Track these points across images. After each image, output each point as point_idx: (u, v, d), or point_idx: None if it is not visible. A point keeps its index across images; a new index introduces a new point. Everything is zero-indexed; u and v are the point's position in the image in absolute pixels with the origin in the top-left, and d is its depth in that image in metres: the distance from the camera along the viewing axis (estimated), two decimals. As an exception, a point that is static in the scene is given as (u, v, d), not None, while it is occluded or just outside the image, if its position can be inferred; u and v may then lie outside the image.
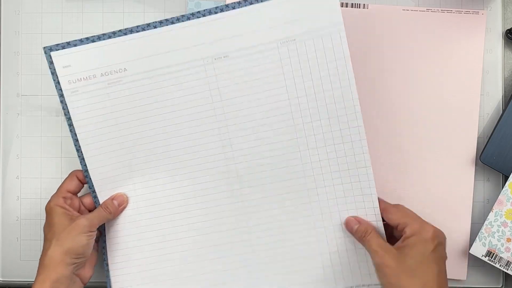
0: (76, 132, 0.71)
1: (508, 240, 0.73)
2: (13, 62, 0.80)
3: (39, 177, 0.79)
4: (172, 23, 0.69)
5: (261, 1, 0.67)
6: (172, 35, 0.69)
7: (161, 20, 0.69)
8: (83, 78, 0.70)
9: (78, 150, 0.71)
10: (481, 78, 0.77)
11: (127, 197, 0.72)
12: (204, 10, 0.68)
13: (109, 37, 0.69)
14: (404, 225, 0.66)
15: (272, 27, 0.68)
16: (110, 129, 0.71)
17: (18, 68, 0.80)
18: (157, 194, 0.72)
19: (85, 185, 0.74)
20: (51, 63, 0.70)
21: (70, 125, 0.71)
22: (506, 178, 0.74)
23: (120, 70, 0.69)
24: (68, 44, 0.69)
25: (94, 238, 0.70)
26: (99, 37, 0.69)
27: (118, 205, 0.72)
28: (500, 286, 0.77)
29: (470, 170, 0.77)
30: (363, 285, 0.71)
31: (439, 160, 0.77)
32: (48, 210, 0.70)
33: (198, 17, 0.68)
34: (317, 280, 0.72)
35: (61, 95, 0.70)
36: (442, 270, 0.64)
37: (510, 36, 0.77)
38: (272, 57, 0.68)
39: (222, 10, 0.68)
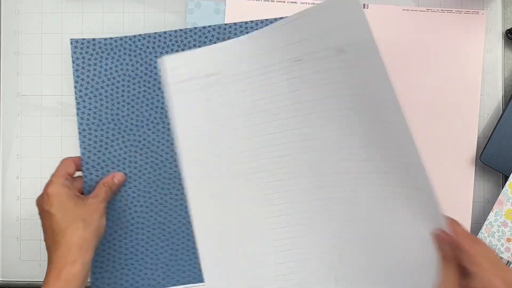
0: (178, 133, 0.73)
1: (508, 240, 0.73)
2: (13, 62, 0.80)
3: (39, 177, 0.79)
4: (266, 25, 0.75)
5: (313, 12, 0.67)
6: (265, 37, 0.71)
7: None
8: (186, 79, 0.73)
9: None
10: (481, 78, 0.77)
11: (124, 176, 0.76)
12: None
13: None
14: (472, 272, 0.56)
15: (326, 35, 0.66)
16: (205, 127, 0.73)
17: (18, 68, 0.80)
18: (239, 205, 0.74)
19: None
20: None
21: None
22: (506, 178, 0.74)
23: (219, 72, 0.73)
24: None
25: None
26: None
27: (117, 183, 0.75)
28: (500, 286, 0.77)
29: (470, 170, 0.77)
30: None
31: (439, 160, 0.77)
32: (56, 192, 0.69)
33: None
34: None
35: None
36: None
37: (510, 36, 0.77)
38: (330, 65, 0.67)
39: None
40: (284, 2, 0.77)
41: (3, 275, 0.80)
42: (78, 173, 0.75)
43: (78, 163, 0.75)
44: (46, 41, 0.80)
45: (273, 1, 0.78)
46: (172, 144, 0.76)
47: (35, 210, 0.79)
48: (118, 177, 0.75)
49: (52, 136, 0.80)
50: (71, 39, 0.77)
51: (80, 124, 0.76)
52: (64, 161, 0.73)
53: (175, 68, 0.74)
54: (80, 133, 0.76)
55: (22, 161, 0.80)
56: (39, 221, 0.79)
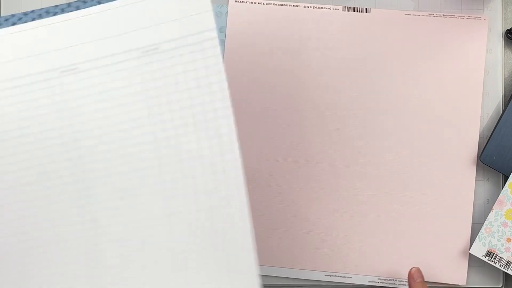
0: None
1: (508, 240, 0.74)
2: (17, 66, 0.79)
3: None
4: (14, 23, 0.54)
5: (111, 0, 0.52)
6: (9, 40, 0.53)
7: None
8: None
9: None
10: (483, 82, 0.77)
11: None
12: (40, 10, 0.53)
13: None
14: None
15: (129, 32, 0.51)
16: None
17: (22, 72, 0.79)
18: None
19: None
20: None
21: None
22: (506, 178, 0.75)
23: None
24: None
25: None
26: None
27: None
28: (500, 286, 0.78)
29: (471, 170, 0.77)
30: None
31: (439, 160, 0.77)
32: None
33: (35, 19, 0.53)
34: None
35: None
36: None
37: (510, 36, 0.77)
38: (130, 71, 0.51)
39: (63, 11, 0.52)
40: (287, 5, 0.77)
41: (10, 276, 0.81)
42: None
43: None
44: (49, 45, 0.79)
45: (276, 4, 0.77)
46: None
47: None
48: None
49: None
50: None
51: None
52: None
53: None
54: None
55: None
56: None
